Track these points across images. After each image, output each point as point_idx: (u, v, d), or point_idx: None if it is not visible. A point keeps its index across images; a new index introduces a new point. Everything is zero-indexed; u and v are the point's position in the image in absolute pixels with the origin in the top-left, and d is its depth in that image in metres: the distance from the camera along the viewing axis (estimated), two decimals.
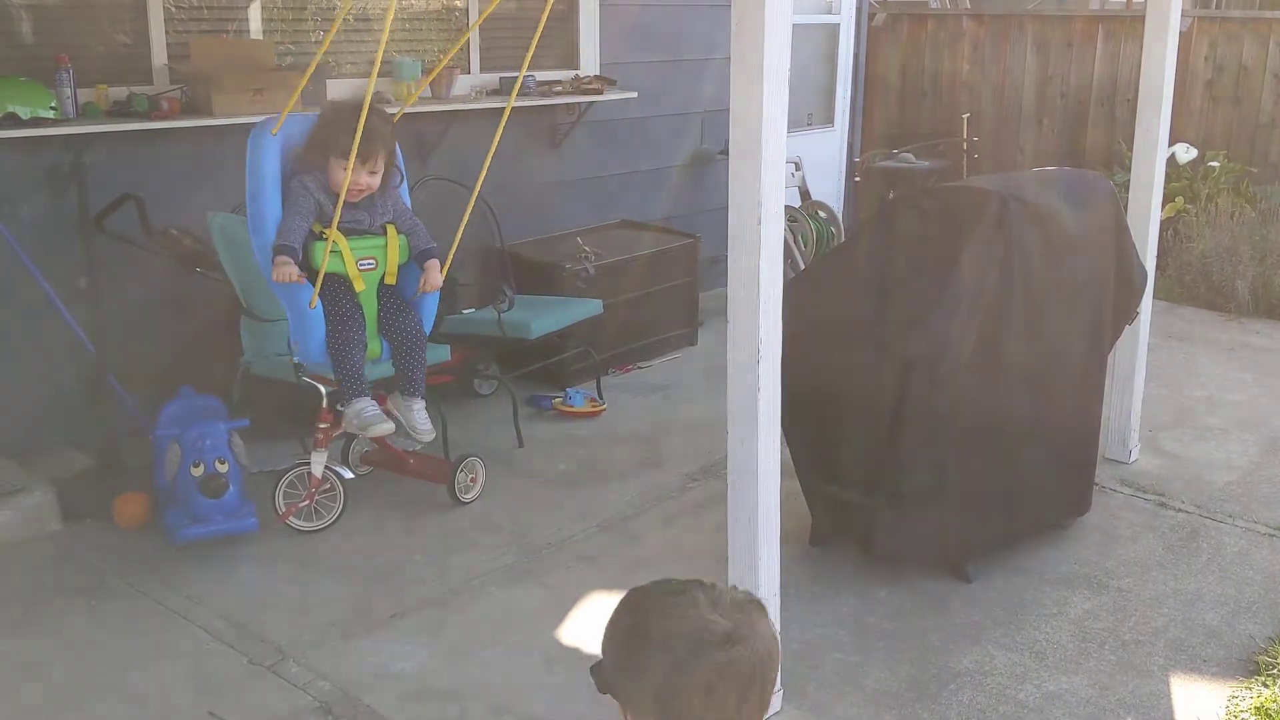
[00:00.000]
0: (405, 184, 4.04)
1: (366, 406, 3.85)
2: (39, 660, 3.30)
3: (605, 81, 6.20)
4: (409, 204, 4.06)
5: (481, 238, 5.71)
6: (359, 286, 3.81)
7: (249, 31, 5.11)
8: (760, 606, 1.50)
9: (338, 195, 3.69)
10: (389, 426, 3.88)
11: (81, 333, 4.37)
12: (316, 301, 3.71)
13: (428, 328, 4.02)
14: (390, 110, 4.15)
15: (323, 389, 4.05)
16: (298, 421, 4.46)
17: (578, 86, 6.06)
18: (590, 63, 6.35)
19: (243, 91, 4.64)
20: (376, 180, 3.78)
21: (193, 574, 3.79)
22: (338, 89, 5.24)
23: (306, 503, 4.09)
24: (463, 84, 5.76)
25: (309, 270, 3.71)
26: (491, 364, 5.35)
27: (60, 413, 4.54)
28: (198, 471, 3.89)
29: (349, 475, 4.22)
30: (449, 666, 3.30)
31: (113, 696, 3.14)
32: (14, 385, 4.45)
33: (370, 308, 3.88)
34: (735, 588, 1.54)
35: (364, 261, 3.81)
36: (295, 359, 3.98)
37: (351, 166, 3.61)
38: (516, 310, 5.07)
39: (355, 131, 3.57)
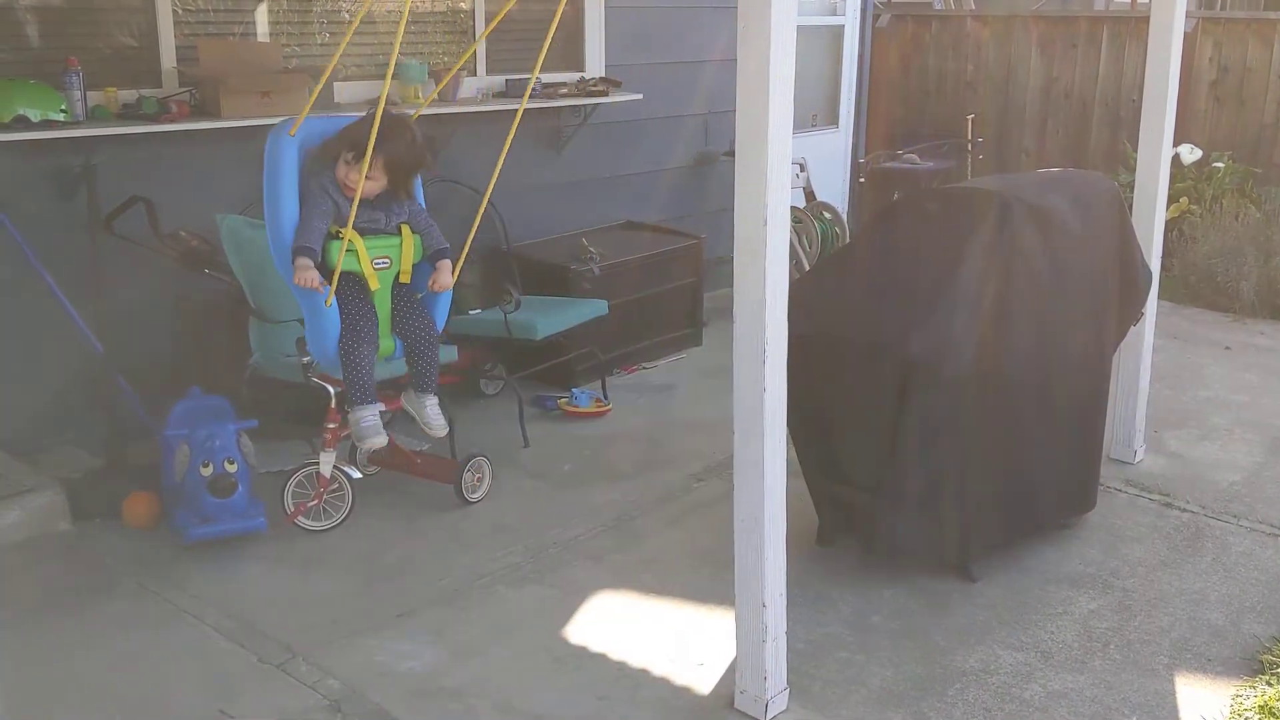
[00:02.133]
0: (420, 186, 4.05)
1: (366, 416, 3.89)
2: (49, 658, 3.33)
3: (610, 83, 6.22)
4: (424, 204, 4.08)
5: (488, 239, 5.72)
6: (374, 285, 3.83)
7: (256, 34, 5.14)
8: None
9: (351, 197, 3.71)
10: (382, 440, 3.93)
11: (90, 333, 4.39)
12: (332, 300, 3.72)
13: (440, 326, 4.04)
14: (405, 112, 4.15)
15: (331, 389, 4.07)
16: (306, 422, 4.48)
17: (583, 89, 6.08)
18: (595, 65, 6.38)
19: (250, 94, 4.67)
20: (375, 185, 3.78)
21: (202, 573, 3.81)
22: (344, 91, 5.27)
23: (315, 502, 4.11)
24: (469, 86, 5.78)
25: (325, 270, 3.73)
26: (498, 365, 5.38)
27: (69, 413, 4.57)
28: (207, 471, 3.91)
29: (357, 475, 4.25)
30: (456, 665, 3.32)
31: (123, 694, 3.16)
32: (24, 385, 4.48)
33: (384, 307, 3.90)
34: None
35: (379, 260, 3.83)
36: (305, 359, 4.00)
37: (364, 169, 3.63)
38: (522, 311, 5.09)
39: (362, 134, 3.62)
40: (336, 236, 3.75)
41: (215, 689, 3.18)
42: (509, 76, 5.89)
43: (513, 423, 5.00)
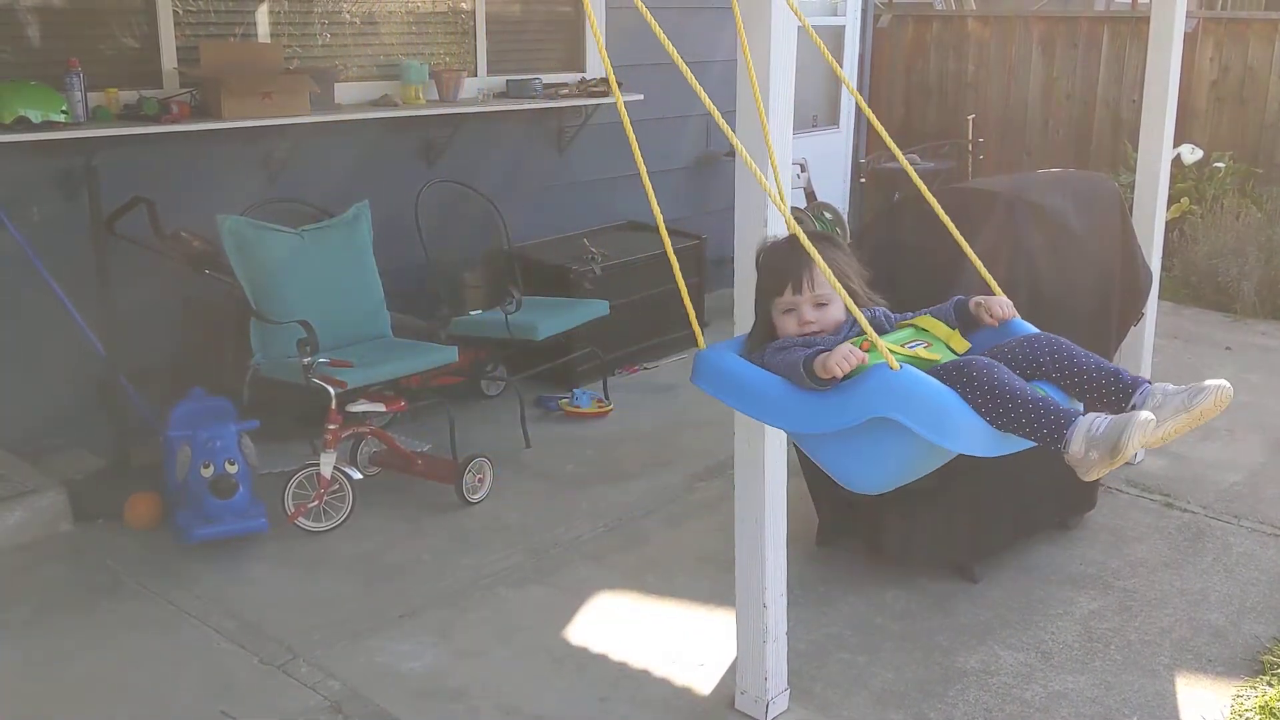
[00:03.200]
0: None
1: (1095, 420, 2.25)
2: (52, 659, 3.33)
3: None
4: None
5: (489, 240, 5.74)
6: (934, 358, 2.49)
7: (256, 35, 5.15)
8: None
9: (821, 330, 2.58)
10: (1149, 416, 2.22)
11: (92, 335, 4.40)
12: (900, 367, 2.27)
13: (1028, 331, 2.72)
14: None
15: (332, 390, 4.08)
16: (307, 423, 4.49)
17: (584, 89, 6.09)
18: (596, 65, 6.38)
19: (252, 95, 4.67)
20: (828, 313, 2.57)
21: (203, 574, 3.82)
22: (345, 92, 5.27)
23: (316, 503, 4.11)
24: (470, 87, 5.78)
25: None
26: (499, 365, 5.38)
27: (72, 414, 4.58)
28: (208, 472, 3.92)
29: (358, 476, 4.25)
30: (458, 666, 3.33)
31: (125, 695, 3.16)
32: (26, 386, 4.49)
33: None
34: None
35: (914, 344, 2.53)
36: (306, 360, 4.00)
37: (781, 307, 2.59)
38: (524, 312, 5.10)
39: (775, 267, 2.64)
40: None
41: (217, 690, 3.19)
42: (510, 77, 5.89)
43: (514, 423, 5.01)
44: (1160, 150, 4.53)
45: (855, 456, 2.40)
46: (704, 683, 3.26)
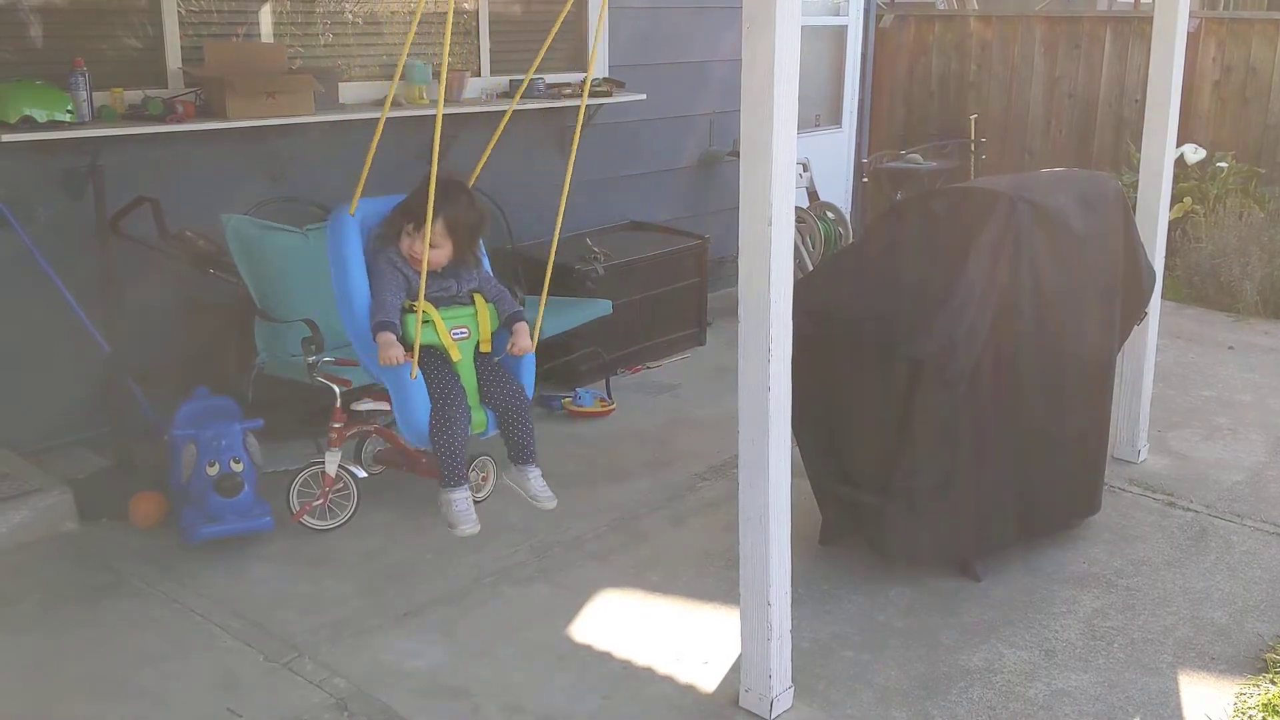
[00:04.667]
0: (486, 256, 3.84)
1: (459, 500, 3.61)
2: (56, 658, 3.34)
3: (614, 84, 6.23)
4: (489, 269, 3.84)
5: (492, 239, 5.73)
6: (455, 355, 3.56)
7: (260, 35, 5.16)
8: None
9: (419, 270, 3.44)
10: (472, 529, 3.60)
11: (97, 334, 4.41)
12: (417, 374, 3.46)
13: (530, 391, 3.77)
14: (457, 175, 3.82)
15: (336, 389, 4.09)
16: (311, 421, 4.50)
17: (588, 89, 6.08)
18: (599, 65, 6.39)
19: (256, 95, 4.68)
20: (437, 255, 3.52)
21: (208, 573, 3.82)
22: (349, 92, 5.28)
23: (320, 502, 4.12)
24: (473, 87, 5.79)
25: (405, 344, 3.46)
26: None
27: (76, 413, 4.59)
28: (213, 471, 3.93)
29: (362, 474, 4.26)
30: (462, 664, 3.33)
31: (131, 694, 3.17)
32: (31, 385, 4.50)
33: (470, 378, 3.64)
34: None
35: (457, 330, 3.58)
36: (310, 359, 4.02)
37: (428, 235, 3.41)
38: (527, 310, 5.08)
39: (420, 202, 3.41)
40: (410, 310, 3.50)
41: (223, 688, 3.20)
42: (513, 77, 5.90)
43: None
44: (1163, 150, 4.54)
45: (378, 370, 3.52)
46: (708, 680, 3.27)
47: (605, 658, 3.38)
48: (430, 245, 3.42)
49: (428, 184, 3.35)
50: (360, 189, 3.57)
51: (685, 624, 3.58)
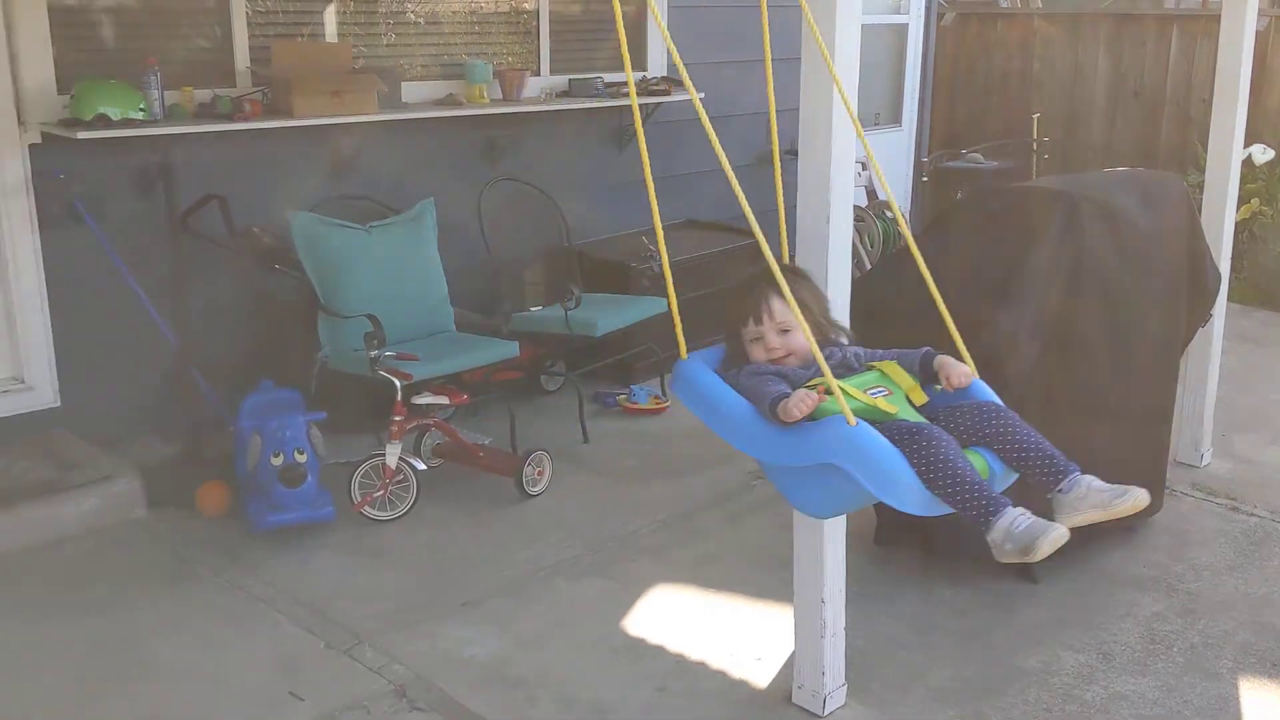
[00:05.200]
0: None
1: (1018, 518, 2.41)
2: (124, 640, 3.44)
3: (672, 83, 6.25)
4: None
5: (549, 237, 5.80)
6: (891, 409, 2.58)
7: (324, 35, 5.25)
8: None
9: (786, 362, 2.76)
10: (1063, 532, 2.41)
11: (166, 328, 4.53)
12: (857, 421, 2.44)
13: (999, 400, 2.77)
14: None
15: (397, 382, 4.16)
16: (372, 415, 4.59)
17: (645, 88, 6.12)
18: (658, 64, 6.42)
19: (322, 93, 4.77)
20: (793, 339, 2.73)
21: (272, 560, 3.91)
22: (410, 91, 5.36)
23: (381, 493, 4.20)
24: (533, 86, 5.85)
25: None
26: (558, 361, 5.44)
27: (146, 404, 4.72)
28: (278, 461, 4.01)
29: (421, 467, 4.33)
30: (519, 655, 3.38)
31: (196, 677, 3.26)
32: (103, 376, 4.63)
33: None
34: None
35: (875, 390, 2.64)
36: (372, 353, 4.09)
37: (747, 335, 2.80)
38: (583, 308, 5.14)
39: (738, 299, 2.84)
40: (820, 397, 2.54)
41: (285, 672, 3.27)
42: (572, 76, 5.95)
43: (573, 418, 5.06)
44: (1230, 150, 4.46)
45: (806, 488, 2.63)
46: (761, 676, 3.29)
47: (659, 652, 3.41)
48: (780, 332, 2.73)
49: (739, 287, 2.87)
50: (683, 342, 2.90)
51: (739, 620, 3.59)
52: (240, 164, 4.82)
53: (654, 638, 3.48)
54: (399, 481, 4.25)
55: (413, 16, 5.56)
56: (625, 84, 6.05)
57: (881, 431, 2.46)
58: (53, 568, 3.85)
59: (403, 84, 5.30)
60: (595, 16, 6.27)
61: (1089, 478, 2.54)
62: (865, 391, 2.61)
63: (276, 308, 4.89)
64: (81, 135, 4.24)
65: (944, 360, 2.79)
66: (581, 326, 5.09)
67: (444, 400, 4.39)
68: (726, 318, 2.90)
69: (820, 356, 2.43)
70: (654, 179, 2.69)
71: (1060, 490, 2.54)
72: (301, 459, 4.04)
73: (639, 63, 6.40)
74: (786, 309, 2.62)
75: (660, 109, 6.28)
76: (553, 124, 5.97)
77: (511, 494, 4.39)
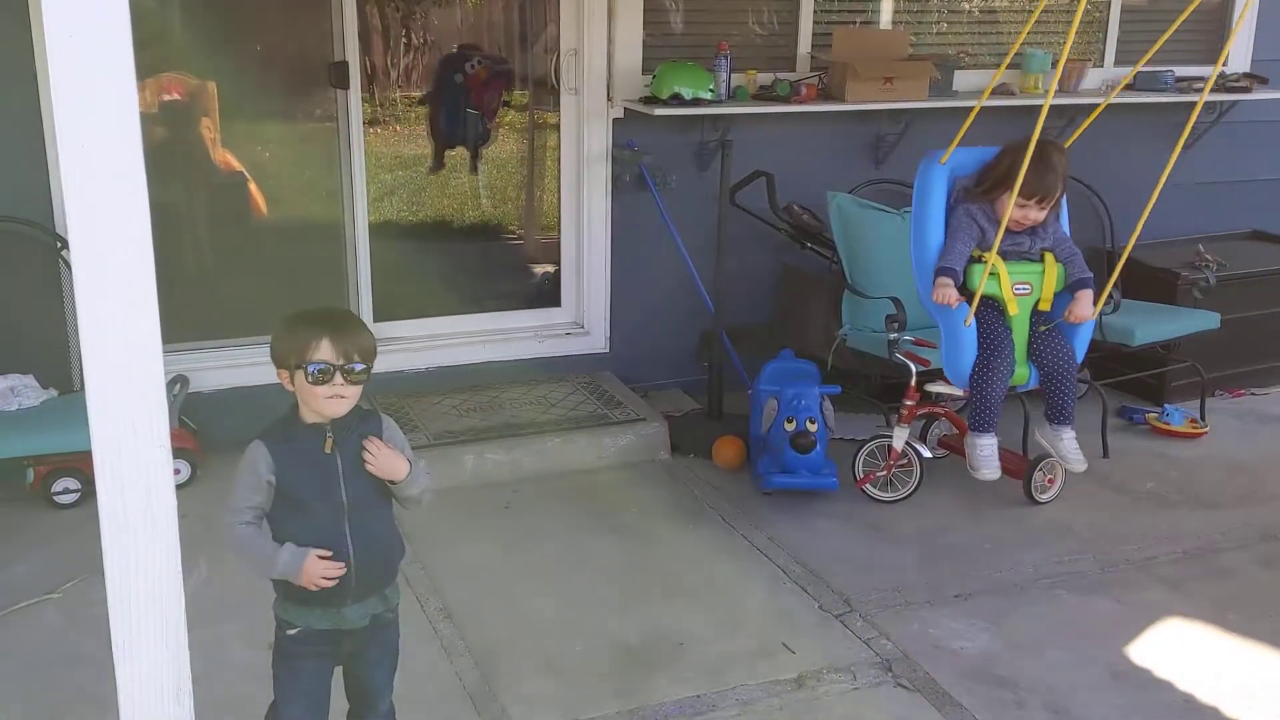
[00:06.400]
0: (1066, 213, 4.07)
1: (984, 445, 3.97)
2: (646, 562, 3.81)
3: (1255, 79, 5.64)
4: (1068, 232, 4.05)
5: (1090, 235, 5.49)
6: (1013, 310, 3.85)
7: (878, 22, 5.36)
8: None
9: (999, 223, 3.78)
10: (993, 474, 3.99)
11: (705, 292, 4.90)
12: (971, 322, 3.79)
13: (1080, 357, 3.98)
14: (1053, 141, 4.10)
15: (914, 367, 4.18)
16: (883, 396, 4.66)
17: (1221, 84, 5.58)
18: (1240, 58, 5.81)
19: (874, 80, 4.89)
20: (1043, 215, 3.84)
21: (776, 518, 4.12)
22: (962, 80, 5.32)
23: (884, 473, 4.26)
24: (1093, 78, 5.56)
25: (966, 293, 3.82)
26: (1084, 368, 5.14)
27: (678, 359, 5.16)
28: (790, 427, 4.21)
29: (927, 454, 4.33)
30: (1010, 656, 3.29)
31: (699, 609, 3.53)
32: (646, 330, 5.12)
33: (1021, 333, 3.90)
34: None
35: (1019, 286, 3.86)
36: (892, 336, 4.16)
37: (1017, 201, 3.74)
38: (1121, 314, 4.82)
39: (1026, 168, 3.68)
40: (979, 260, 3.83)
41: (781, 624, 3.45)
42: (1144, 69, 5.55)
43: (1093, 430, 4.76)
44: None
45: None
46: None
47: (1165, 686, 3.16)
48: (1020, 207, 3.75)
49: (1025, 146, 3.65)
50: (956, 142, 3.90)
51: (1264, 674, 3.22)
52: (785, 143, 5.08)
53: (1162, 670, 3.23)
54: (902, 465, 4.28)
55: (968, 5, 5.51)
56: (1199, 80, 5.58)
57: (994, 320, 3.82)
58: (593, 490, 4.33)
59: (956, 73, 5.27)
60: (1174, 5, 5.80)
61: (1071, 432, 3.97)
62: (1013, 285, 3.81)
63: (803, 282, 5.11)
64: (658, 112, 4.70)
65: (1082, 295, 3.82)
66: (1117, 334, 4.78)
67: (957, 391, 4.34)
68: (1002, 170, 3.79)
69: (995, 256, 3.75)
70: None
71: (1050, 424, 3.99)
72: (813, 428, 4.21)
73: (1216, 56, 5.83)
74: (1061, 204, 3.85)
75: (1236, 108, 5.69)
76: (1108, 118, 5.62)
77: (1016, 496, 4.26)
